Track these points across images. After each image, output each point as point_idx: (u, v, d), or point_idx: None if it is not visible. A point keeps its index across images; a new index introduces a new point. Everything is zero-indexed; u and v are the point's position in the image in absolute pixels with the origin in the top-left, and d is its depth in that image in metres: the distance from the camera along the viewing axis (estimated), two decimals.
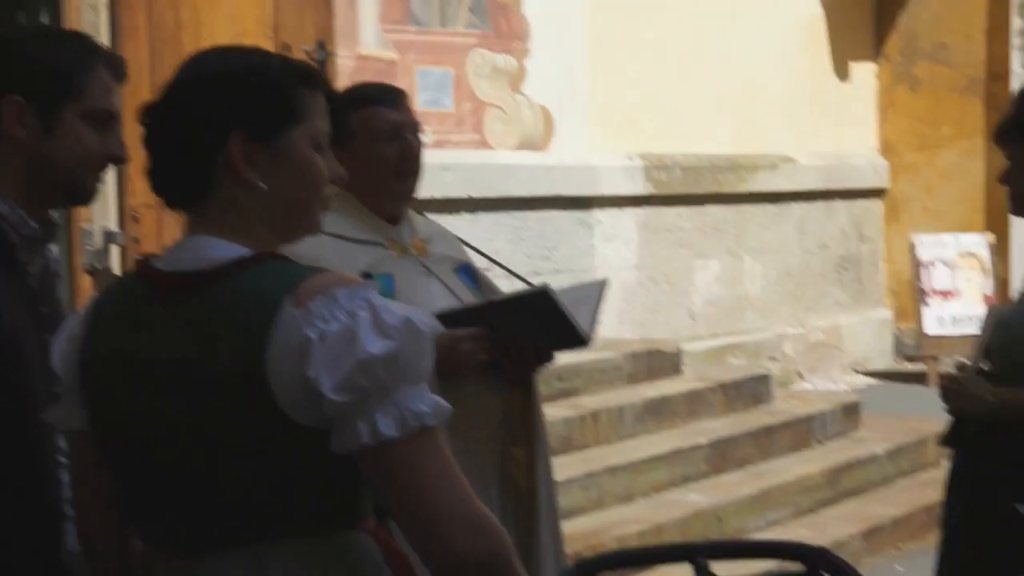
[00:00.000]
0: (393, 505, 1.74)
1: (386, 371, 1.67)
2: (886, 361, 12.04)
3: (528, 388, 2.93)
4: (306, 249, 1.95)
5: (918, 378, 11.20)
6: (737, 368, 8.30)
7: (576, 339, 2.81)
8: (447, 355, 2.70)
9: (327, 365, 1.66)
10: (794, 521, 6.08)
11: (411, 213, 2.97)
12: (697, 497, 5.94)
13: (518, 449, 2.90)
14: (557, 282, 8.82)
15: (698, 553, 2.20)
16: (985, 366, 2.99)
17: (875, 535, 5.98)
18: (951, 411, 3.03)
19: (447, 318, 2.77)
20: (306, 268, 1.77)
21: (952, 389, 2.99)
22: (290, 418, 1.69)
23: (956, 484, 3.09)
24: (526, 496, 2.91)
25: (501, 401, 2.91)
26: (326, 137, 1.85)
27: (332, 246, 2.65)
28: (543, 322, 2.76)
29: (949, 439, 3.08)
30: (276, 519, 1.75)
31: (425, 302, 2.79)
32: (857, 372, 11.57)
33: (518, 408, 2.93)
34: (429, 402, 1.70)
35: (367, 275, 2.74)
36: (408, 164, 2.82)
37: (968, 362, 3.05)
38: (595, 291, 2.94)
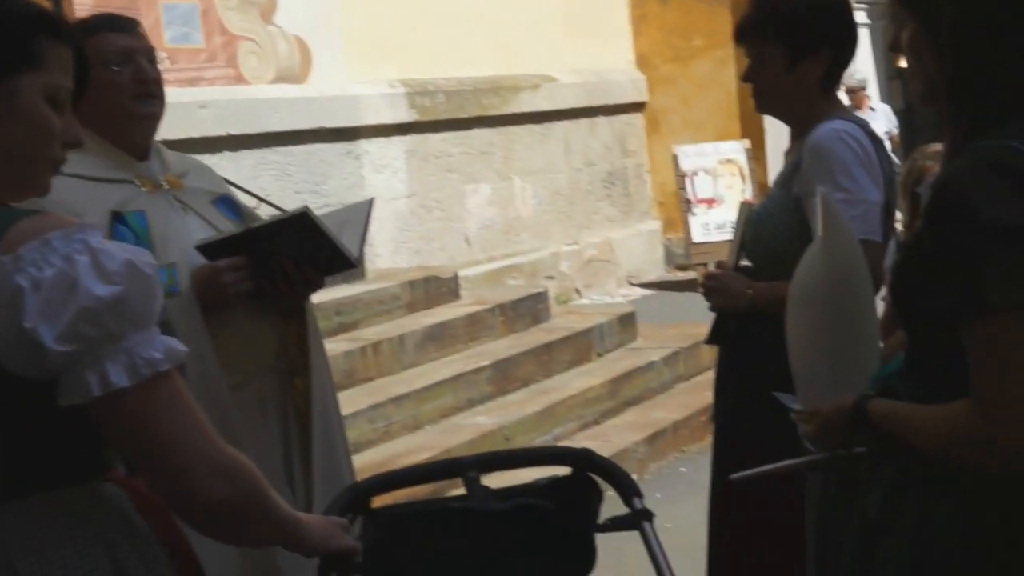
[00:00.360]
0: (134, 456, 1.67)
1: (112, 317, 1.57)
2: (658, 271, 12.37)
3: (302, 317, 2.84)
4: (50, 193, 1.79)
5: (690, 285, 11.54)
6: (514, 289, 8.36)
7: (344, 262, 2.72)
8: (208, 287, 2.61)
9: (45, 314, 1.54)
10: (580, 434, 6.17)
11: (162, 148, 2.82)
12: (484, 419, 5.96)
13: (300, 380, 2.82)
14: None
15: (468, 468, 2.17)
16: (743, 262, 3.04)
17: (658, 440, 6.13)
18: (713, 308, 3.08)
19: (208, 249, 2.65)
20: (18, 211, 1.64)
21: (712, 286, 3.04)
22: (9, 371, 1.58)
23: (722, 380, 3.15)
24: (305, 419, 2.84)
25: (275, 331, 2.81)
26: (66, 94, 1.71)
27: (77, 188, 2.49)
28: (308, 246, 2.66)
29: (713, 337, 3.13)
30: (8, 477, 1.64)
31: (182, 237, 2.67)
32: (632, 284, 11.84)
33: (295, 338, 2.84)
34: (160, 346, 1.62)
35: (117, 214, 2.60)
36: (143, 87, 2.66)
37: (727, 260, 3.10)
38: (362, 211, 2.85)
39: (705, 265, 11.44)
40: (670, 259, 12.57)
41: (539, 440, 5.94)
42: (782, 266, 2.91)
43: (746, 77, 2.97)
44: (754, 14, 2.94)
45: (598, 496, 2.20)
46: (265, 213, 3.21)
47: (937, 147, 4.06)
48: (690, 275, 11.80)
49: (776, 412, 2.87)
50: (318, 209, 2.81)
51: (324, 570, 1.90)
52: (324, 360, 2.93)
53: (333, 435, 2.88)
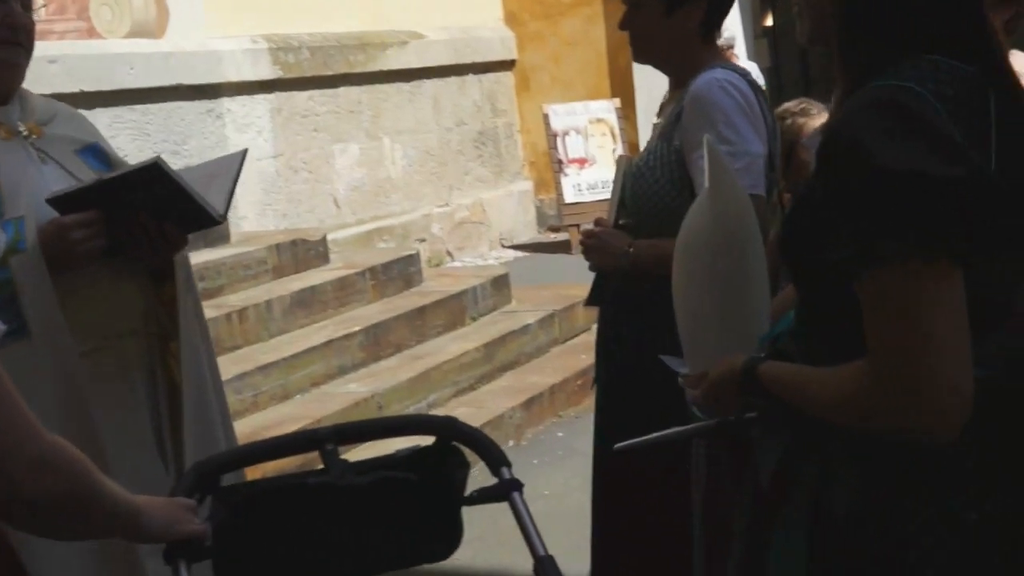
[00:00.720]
0: None
1: None
2: (531, 233, 12.26)
3: (171, 275, 2.63)
4: None
5: (562, 247, 11.48)
6: (385, 252, 8.15)
7: (207, 218, 2.50)
8: (55, 244, 2.40)
9: None
10: (454, 400, 6.03)
11: (31, 95, 2.59)
12: (356, 387, 5.78)
13: (175, 344, 2.62)
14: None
15: (325, 440, 2.01)
16: (622, 219, 2.92)
17: (534, 404, 6.02)
18: (593, 267, 2.95)
19: (59, 202, 2.43)
20: None
21: (591, 245, 2.90)
22: None
23: (604, 342, 3.02)
24: (179, 388, 2.65)
25: (143, 293, 2.61)
26: None
27: None
28: (165, 200, 2.45)
29: (593, 298, 3.00)
30: None
31: (34, 188, 2.45)
32: (505, 246, 11.71)
33: (166, 298, 2.63)
34: None
35: None
36: (5, 32, 2.42)
37: (606, 217, 2.97)
38: (233, 163, 2.63)
39: (576, 226, 11.37)
40: (542, 220, 12.47)
41: (413, 408, 5.78)
42: (664, 222, 2.80)
43: (623, 24, 2.83)
44: None
45: (464, 466, 2.07)
46: None
47: (801, 103, 3.98)
48: (562, 236, 11.72)
49: (663, 376, 2.77)
50: (180, 170, 2.58)
51: (170, 557, 1.74)
52: (200, 324, 2.75)
53: (208, 402, 2.69)
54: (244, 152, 2.71)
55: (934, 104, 1.54)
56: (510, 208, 12.01)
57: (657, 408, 2.75)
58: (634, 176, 2.85)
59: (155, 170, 2.42)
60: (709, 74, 2.75)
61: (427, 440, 2.09)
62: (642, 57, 2.85)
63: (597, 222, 2.96)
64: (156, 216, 2.48)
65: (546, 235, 12.34)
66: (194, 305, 2.71)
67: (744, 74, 2.80)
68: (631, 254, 2.82)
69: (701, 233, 1.86)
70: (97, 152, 2.65)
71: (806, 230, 1.63)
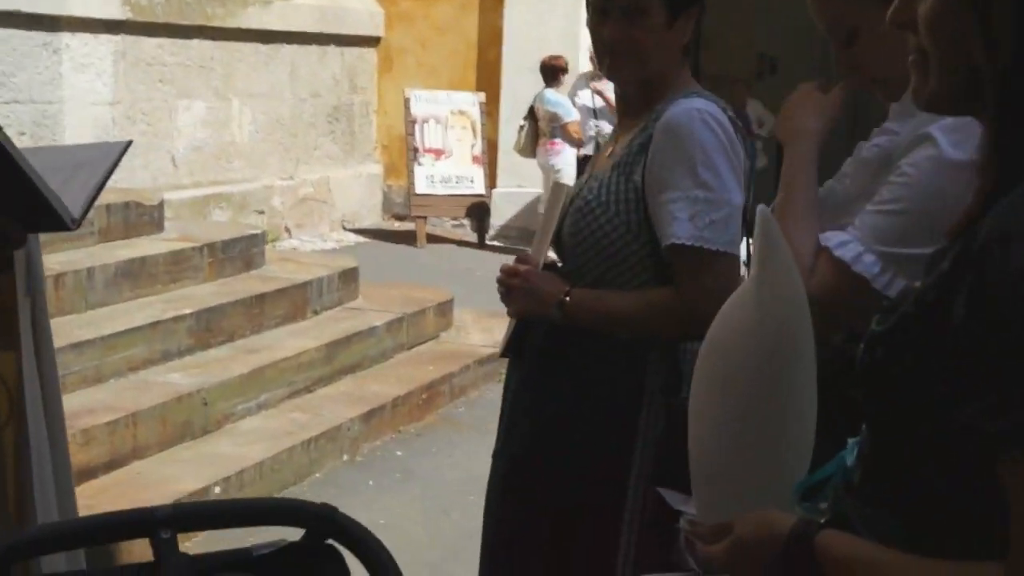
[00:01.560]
0: None
1: None
2: (374, 218, 11.69)
3: (10, 274, 2.10)
4: None
5: (407, 237, 10.95)
6: (227, 227, 7.50)
7: (55, 219, 1.93)
8: None
9: None
10: (288, 402, 5.45)
11: None
12: (179, 377, 5.14)
13: (7, 353, 2.12)
14: (16, 115, 7.44)
15: (161, 524, 1.44)
16: (557, 261, 2.45)
17: (374, 417, 5.49)
18: (513, 313, 2.46)
19: None
20: None
21: (518, 287, 2.41)
22: None
23: (518, 403, 2.49)
24: (17, 404, 2.16)
25: None
26: None
27: None
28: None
29: (512, 348, 2.50)
30: None
31: None
32: (346, 229, 11.12)
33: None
34: None
35: None
36: None
37: (532, 254, 2.48)
38: (109, 155, 2.08)
39: (424, 218, 10.86)
40: (388, 207, 11.92)
41: (242, 406, 5.19)
42: (611, 270, 2.35)
43: (612, 33, 2.30)
44: None
45: (341, 572, 1.54)
46: None
47: None
48: (408, 226, 11.19)
49: (586, 452, 2.32)
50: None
51: None
52: (45, 328, 2.29)
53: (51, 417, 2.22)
54: (127, 144, 2.15)
55: None
56: (356, 190, 11.41)
57: (572, 483, 2.32)
58: (578, 211, 2.37)
59: None
60: (687, 103, 2.29)
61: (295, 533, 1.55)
62: (626, 71, 2.35)
63: (522, 259, 2.47)
64: None
65: (390, 223, 11.78)
66: (41, 306, 2.17)
67: (724, 107, 2.35)
68: (566, 304, 2.34)
69: (744, 335, 1.38)
70: None
71: (924, 367, 1.18)
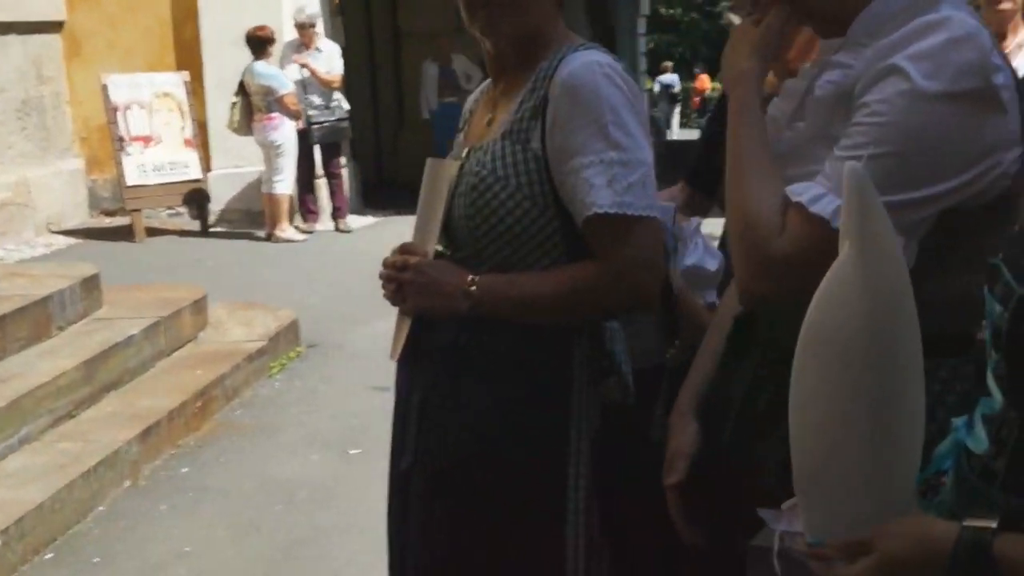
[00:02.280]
0: None
1: None
2: (82, 216, 10.87)
3: None
4: None
5: (121, 233, 10.23)
6: None
7: None
8: None
9: None
10: (53, 431, 4.90)
11: None
12: None
13: None
14: None
15: None
16: (448, 249, 2.16)
17: (151, 435, 5.01)
18: (408, 312, 2.16)
19: None
20: None
21: (414, 281, 2.12)
22: None
23: (426, 411, 2.19)
24: None
25: None
26: None
27: None
28: None
29: (406, 350, 2.20)
30: None
31: None
32: (53, 231, 10.28)
33: None
34: None
35: None
36: None
37: (416, 241, 2.19)
38: None
39: (139, 210, 10.16)
40: (95, 203, 11.12)
41: (2, 445, 4.61)
42: (518, 251, 2.08)
43: None
44: None
45: None
46: None
47: None
48: (122, 221, 10.46)
49: (517, 458, 2.06)
50: None
51: None
52: None
53: None
54: None
55: None
56: (59, 188, 10.58)
57: (496, 493, 2.07)
58: (472, 189, 2.09)
59: None
60: (584, 56, 2.04)
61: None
62: (505, 24, 2.07)
63: (407, 250, 2.17)
64: None
65: (100, 219, 10.99)
66: None
67: (616, 57, 2.12)
68: (473, 294, 2.07)
69: (846, 318, 1.16)
70: None
71: None
